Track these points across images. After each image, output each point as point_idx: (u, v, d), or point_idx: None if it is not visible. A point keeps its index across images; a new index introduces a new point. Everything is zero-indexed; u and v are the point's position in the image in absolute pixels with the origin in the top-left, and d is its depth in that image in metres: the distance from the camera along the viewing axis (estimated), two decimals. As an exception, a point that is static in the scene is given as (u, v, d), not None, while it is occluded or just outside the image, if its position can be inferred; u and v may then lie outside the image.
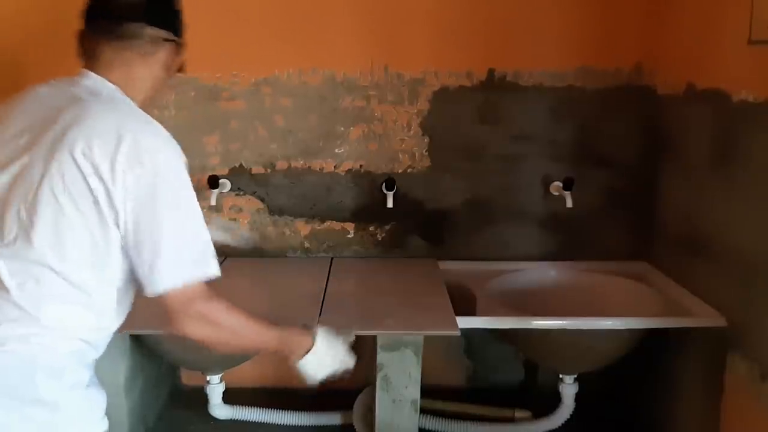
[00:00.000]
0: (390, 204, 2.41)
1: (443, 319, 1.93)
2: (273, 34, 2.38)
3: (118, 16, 1.32)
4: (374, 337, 1.95)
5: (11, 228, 1.19)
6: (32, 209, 1.18)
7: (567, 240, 2.51)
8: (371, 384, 2.19)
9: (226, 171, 2.46)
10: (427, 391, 2.09)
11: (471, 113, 2.43)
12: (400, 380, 1.96)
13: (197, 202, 1.28)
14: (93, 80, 1.31)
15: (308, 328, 1.55)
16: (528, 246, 2.51)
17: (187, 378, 2.65)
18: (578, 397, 2.32)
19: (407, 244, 2.53)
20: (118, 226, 1.20)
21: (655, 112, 2.39)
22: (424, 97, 2.42)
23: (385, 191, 2.41)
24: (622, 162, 2.47)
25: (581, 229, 2.50)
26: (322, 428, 2.40)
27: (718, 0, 2.00)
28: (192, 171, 2.49)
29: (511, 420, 2.41)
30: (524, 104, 2.42)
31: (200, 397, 2.35)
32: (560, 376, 2.30)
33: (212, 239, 1.30)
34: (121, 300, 1.29)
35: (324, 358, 1.53)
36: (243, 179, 2.47)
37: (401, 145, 2.46)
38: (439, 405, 2.42)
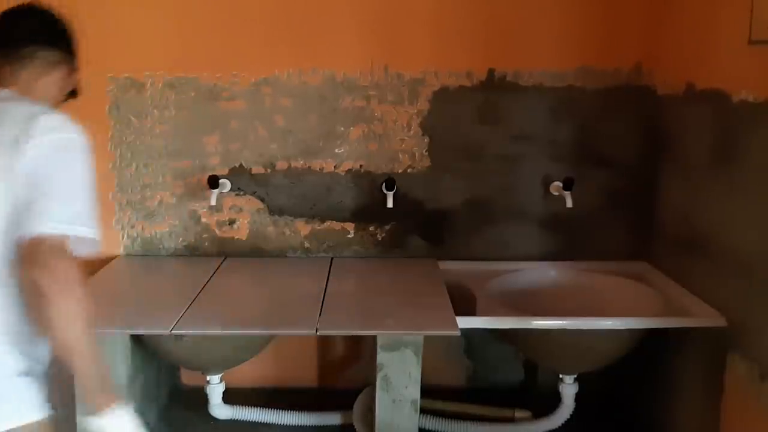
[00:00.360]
0: (390, 204, 2.41)
1: (443, 319, 1.93)
2: (273, 35, 2.38)
3: (14, 39, 1.44)
4: (374, 337, 1.95)
5: None
6: None
7: (567, 240, 2.51)
8: (371, 384, 2.19)
9: (226, 171, 2.46)
10: (427, 391, 2.09)
11: (471, 113, 2.43)
12: (400, 380, 1.96)
13: (92, 182, 1.38)
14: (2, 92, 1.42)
15: (117, 397, 1.37)
16: (528, 246, 2.51)
17: (187, 378, 2.65)
18: (578, 397, 2.32)
19: (407, 244, 2.53)
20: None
21: (655, 112, 2.39)
22: (424, 97, 2.42)
23: (385, 191, 2.41)
24: (622, 162, 2.47)
25: (581, 229, 2.50)
26: (322, 428, 2.40)
27: (718, 0, 2.00)
28: (192, 171, 2.51)
29: (511, 420, 2.41)
30: (524, 104, 2.42)
31: (200, 397, 2.35)
32: (560, 376, 2.30)
33: None
34: None
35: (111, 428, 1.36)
36: (243, 179, 2.47)
37: (401, 145, 2.46)
38: (439, 405, 2.42)
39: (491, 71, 2.41)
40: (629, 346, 2.14)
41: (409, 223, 2.52)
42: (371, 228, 2.52)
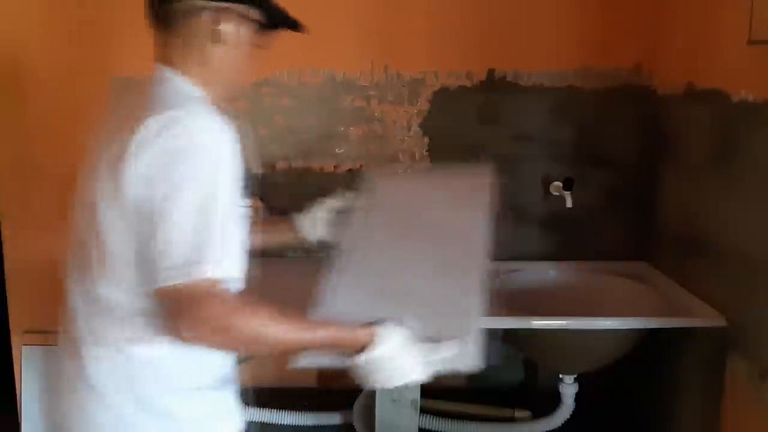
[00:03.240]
0: (390, 204, 2.41)
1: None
2: (273, 34, 2.38)
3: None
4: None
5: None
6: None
7: (567, 240, 2.51)
8: (371, 384, 2.18)
9: (226, 171, 2.46)
10: (427, 391, 2.09)
11: (471, 113, 2.43)
12: (400, 380, 1.95)
13: (224, 197, 1.13)
14: (156, 73, 1.23)
15: (373, 324, 1.26)
16: (528, 246, 2.51)
17: (187, 378, 2.64)
18: (578, 397, 2.32)
19: (407, 244, 2.53)
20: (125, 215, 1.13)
21: (654, 112, 2.39)
22: (424, 98, 2.42)
23: (385, 191, 2.41)
24: (621, 162, 2.47)
25: (581, 229, 2.50)
26: (322, 428, 2.40)
27: (718, 0, 2.00)
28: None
29: (511, 420, 2.41)
30: (524, 104, 2.42)
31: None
32: (560, 376, 2.30)
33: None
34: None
35: (386, 364, 1.24)
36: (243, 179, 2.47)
37: (401, 146, 2.46)
38: (439, 405, 2.42)
39: (491, 71, 2.41)
40: (629, 346, 2.14)
41: (409, 223, 2.51)
42: (371, 228, 2.52)
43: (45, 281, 2.46)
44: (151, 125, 1.09)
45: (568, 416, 2.33)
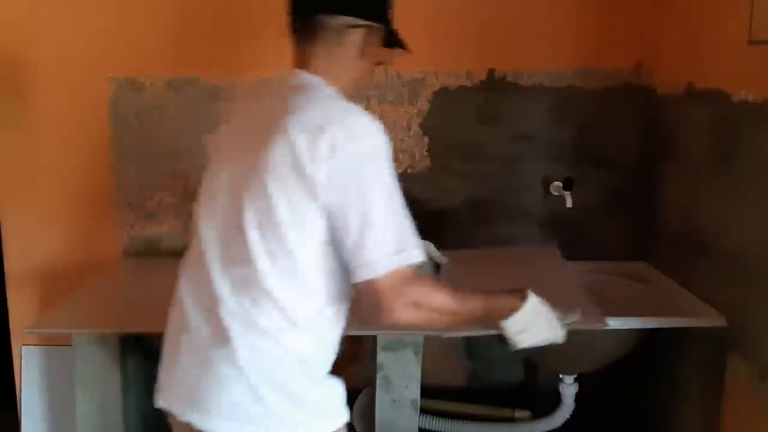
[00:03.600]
0: (390, 204, 2.40)
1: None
2: (273, 34, 2.37)
3: (298, 10, 1.36)
4: (374, 337, 1.95)
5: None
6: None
7: (567, 240, 2.51)
8: (371, 384, 2.19)
9: (226, 171, 2.46)
10: (427, 391, 2.09)
11: (471, 113, 2.43)
12: (400, 380, 1.96)
13: (398, 187, 1.26)
14: (300, 77, 1.34)
15: (519, 291, 1.43)
16: (527, 246, 2.51)
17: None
18: (578, 397, 2.32)
19: (407, 244, 2.52)
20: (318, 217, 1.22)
21: (654, 112, 2.39)
22: (424, 98, 2.42)
23: (385, 191, 2.41)
24: (621, 162, 2.47)
25: (581, 229, 2.50)
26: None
27: (718, 0, 2.00)
28: (193, 171, 2.50)
29: (511, 420, 2.41)
30: (524, 104, 2.43)
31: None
32: (560, 376, 2.30)
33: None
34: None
35: (531, 322, 1.42)
36: (243, 179, 2.47)
37: (401, 145, 2.46)
38: (439, 405, 2.42)
39: (491, 71, 2.41)
40: (629, 346, 2.14)
41: (409, 223, 2.51)
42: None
43: (45, 281, 2.47)
44: (336, 133, 1.18)
45: (568, 416, 2.33)
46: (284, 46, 2.46)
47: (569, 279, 2.19)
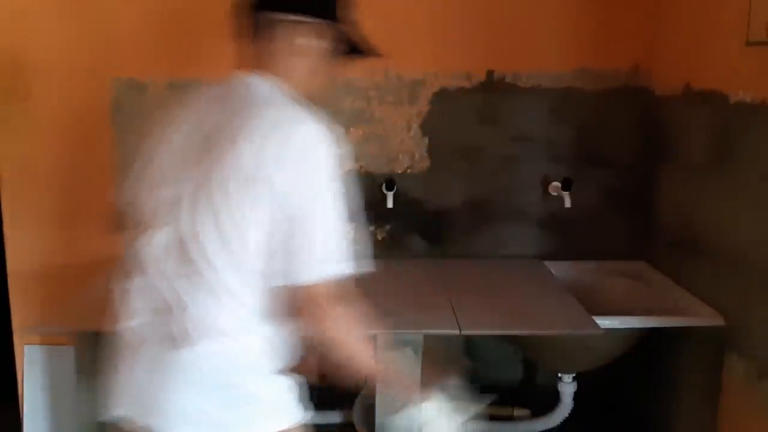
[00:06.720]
0: (390, 204, 2.42)
1: (443, 319, 1.94)
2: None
3: (254, 7, 1.30)
4: (374, 337, 1.96)
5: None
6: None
7: (566, 240, 2.52)
8: (371, 384, 2.19)
9: (226, 171, 2.47)
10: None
11: (470, 114, 2.44)
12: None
13: (344, 197, 1.26)
14: (249, 81, 1.31)
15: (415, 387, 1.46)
16: (527, 246, 2.52)
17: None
18: (577, 396, 2.33)
19: (407, 244, 2.54)
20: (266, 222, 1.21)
21: (653, 112, 2.40)
22: (424, 99, 2.43)
23: (385, 191, 2.42)
24: (620, 162, 2.48)
25: (580, 230, 2.51)
26: (322, 428, 2.40)
27: (716, 1, 2.01)
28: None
29: (510, 418, 2.42)
30: (523, 105, 2.44)
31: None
32: (559, 375, 2.31)
33: None
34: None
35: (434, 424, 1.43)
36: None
37: (401, 146, 2.47)
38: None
39: (490, 72, 2.42)
40: (628, 345, 2.15)
41: (409, 224, 2.53)
42: (371, 228, 2.53)
43: (47, 281, 2.48)
44: (287, 139, 1.20)
45: (567, 415, 2.34)
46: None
47: (558, 287, 2.19)
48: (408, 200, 2.50)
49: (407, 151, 2.48)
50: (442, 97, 2.43)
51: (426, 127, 2.46)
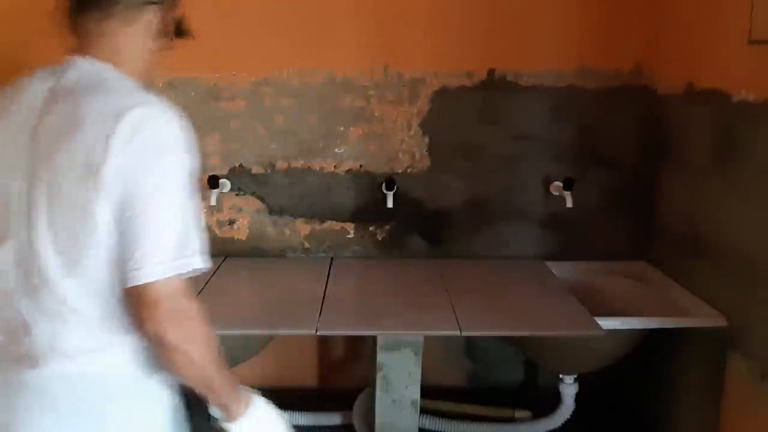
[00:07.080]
0: (390, 204, 2.41)
1: (443, 319, 1.93)
2: (273, 34, 2.38)
3: None
4: (374, 338, 1.95)
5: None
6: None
7: (567, 240, 2.51)
8: (371, 384, 2.19)
9: (226, 171, 2.46)
10: (427, 391, 2.09)
11: (471, 113, 2.43)
12: (400, 380, 1.96)
13: (192, 188, 1.15)
14: (81, 65, 1.21)
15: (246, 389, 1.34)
16: (528, 246, 2.51)
17: (187, 378, 2.64)
18: (578, 397, 2.32)
19: (407, 244, 2.53)
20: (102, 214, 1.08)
21: (655, 112, 2.39)
22: (425, 97, 2.42)
23: (385, 191, 2.41)
24: (622, 162, 2.47)
25: (581, 229, 2.50)
26: (322, 428, 2.40)
27: (718, 0, 2.00)
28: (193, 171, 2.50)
29: (511, 420, 2.41)
30: (524, 104, 2.43)
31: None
32: (560, 376, 2.30)
33: None
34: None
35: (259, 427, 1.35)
36: (243, 179, 2.47)
37: (401, 145, 2.46)
38: (439, 405, 2.42)
39: (491, 71, 2.41)
40: (629, 346, 2.14)
41: (409, 223, 2.52)
42: (371, 228, 2.52)
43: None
44: (133, 120, 1.08)
45: (569, 416, 2.33)
46: (280, 45, 2.47)
47: (560, 288, 2.19)
48: (408, 200, 2.49)
49: (407, 150, 2.47)
50: (442, 95, 2.42)
51: (426, 126, 2.45)
